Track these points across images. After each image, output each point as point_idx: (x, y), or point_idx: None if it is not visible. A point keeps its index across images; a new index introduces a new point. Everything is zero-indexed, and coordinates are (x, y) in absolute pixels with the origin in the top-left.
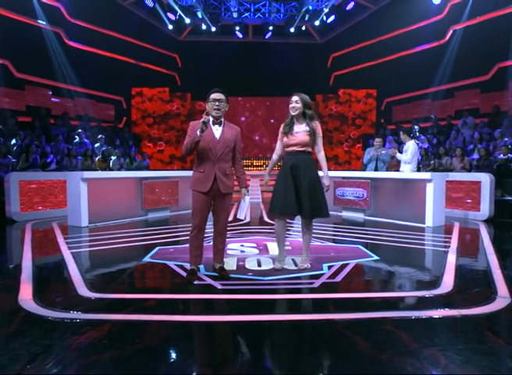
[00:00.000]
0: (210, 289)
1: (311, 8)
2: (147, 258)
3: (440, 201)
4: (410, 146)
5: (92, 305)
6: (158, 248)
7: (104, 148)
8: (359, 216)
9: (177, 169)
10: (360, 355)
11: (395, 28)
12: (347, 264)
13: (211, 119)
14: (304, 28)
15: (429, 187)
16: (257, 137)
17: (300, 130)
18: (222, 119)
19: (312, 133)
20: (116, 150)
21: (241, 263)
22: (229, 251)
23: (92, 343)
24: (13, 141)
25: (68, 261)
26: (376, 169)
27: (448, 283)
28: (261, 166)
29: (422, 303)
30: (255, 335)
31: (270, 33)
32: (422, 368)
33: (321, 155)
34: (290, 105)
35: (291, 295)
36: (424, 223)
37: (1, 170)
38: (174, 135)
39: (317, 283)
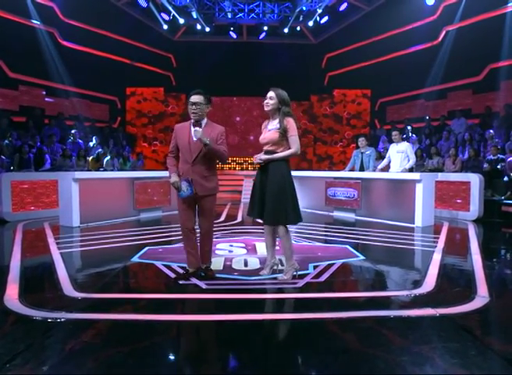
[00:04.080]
0: (195, 289)
1: (304, 8)
2: (135, 258)
3: (429, 201)
4: (409, 147)
5: (77, 305)
6: (147, 248)
7: (98, 149)
8: (350, 216)
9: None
10: (337, 352)
11: (388, 29)
12: (333, 264)
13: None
14: (298, 28)
15: (419, 188)
16: (252, 137)
17: (272, 128)
18: (204, 121)
19: (283, 131)
20: (109, 150)
21: (228, 263)
22: (217, 251)
23: (74, 342)
24: (6, 141)
25: (57, 261)
26: (362, 167)
27: (430, 282)
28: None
29: (403, 302)
30: (238, 334)
31: (264, 33)
32: (395, 365)
33: (289, 151)
34: (264, 101)
35: (274, 295)
36: (414, 223)
37: None
38: (169, 135)
39: (301, 283)
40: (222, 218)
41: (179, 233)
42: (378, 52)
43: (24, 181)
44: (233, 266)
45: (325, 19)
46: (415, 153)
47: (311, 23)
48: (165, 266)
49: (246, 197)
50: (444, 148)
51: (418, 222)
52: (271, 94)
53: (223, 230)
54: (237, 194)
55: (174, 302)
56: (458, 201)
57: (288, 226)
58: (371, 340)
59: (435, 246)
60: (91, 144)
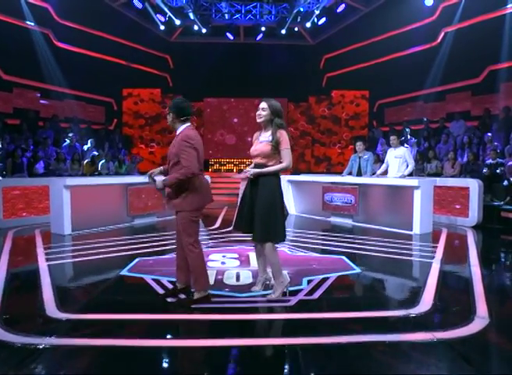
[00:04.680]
0: (182, 308)
1: (302, 10)
2: (124, 272)
3: (428, 207)
4: (407, 152)
5: (59, 328)
6: (138, 259)
7: (93, 153)
8: (347, 222)
9: None
10: None
11: (387, 30)
12: (327, 278)
13: None
14: (296, 29)
15: (417, 194)
16: (249, 139)
17: (264, 140)
18: (178, 130)
19: (275, 144)
20: (105, 153)
21: (219, 277)
22: (209, 263)
23: (53, 372)
24: None
25: (43, 275)
26: (359, 171)
27: (427, 300)
28: None
29: (398, 324)
30: (224, 362)
31: (261, 34)
32: None
33: (280, 165)
34: (256, 112)
35: (265, 315)
36: (412, 230)
37: None
38: (166, 137)
39: (293, 300)
40: (218, 224)
41: (174, 240)
42: (377, 53)
43: (16, 187)
44: (225, 281)
45: (323, 20)
46: (415, 157)
47: (308, 25)
48: (154, 280)
49: None
50: (443, 151)
51: (416, 229)
52: (263, 105)
53: (218, 238)
54: (234, 197)
55: (160, 324)
56: (457, 206)
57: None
58: (363, 370)
59: (434, 257)
60: (86, 147)
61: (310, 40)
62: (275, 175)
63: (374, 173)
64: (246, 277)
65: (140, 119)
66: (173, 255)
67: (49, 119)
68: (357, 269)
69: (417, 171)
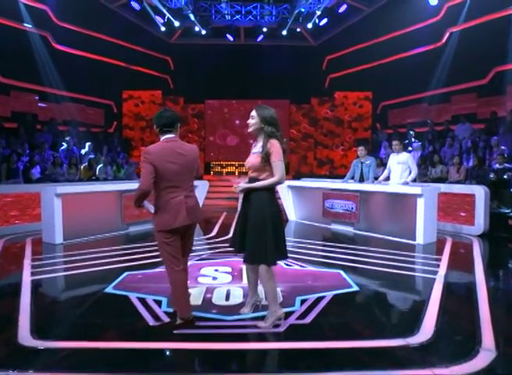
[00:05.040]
0: (163, 334)
1: (303, 10)
2: (109, 288)
3: (432, 216)
4: (410, 158)
5: (30, 359)
6: (126, 273)
7: (91, 156)
8: (348, 230)
9: None
10: None
11: (390, 30)
12: (323, 298)
13: None
14: (298, 30)
15: (420, 203)
16: (251, 141)
17: (255, 152)
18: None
19: (265, 155)
20: (103, 157)
21: (208, 296)
22: (200, 279)
23: None
24: None
25: (24, 292)
26: (362, 177)
27: (428, 327)
28: None
29: (395, 357)
30: None
31: (262, 36)
32: None
33: (271, 179)
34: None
35: (252, 344)
36: (415, 240)
37: None
38: None
39: (284, 325)
40: (214, 231)
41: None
42: (381, 54)
43: (9, 194)
44: (213, 300)
45: (325, 21)
46: (417, 161)
47: (310, 25)
48: (139, 299)
49: None
50: (448, 155)
51: (420, 239)
52: (252, 113)
53: (213, 249)
54: (234, 200)
55: (136, 354)
56: (462, 214)
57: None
58: None
59: (437, 272)
60: (83, 151)
61: (311, 41)
62: (267, 190)
63: (376, 178)
64: (236, 296)
65: (141, 121)
66: (161, 269)
67: (47, 123)
68: (355, 287)
69: (421, 176)
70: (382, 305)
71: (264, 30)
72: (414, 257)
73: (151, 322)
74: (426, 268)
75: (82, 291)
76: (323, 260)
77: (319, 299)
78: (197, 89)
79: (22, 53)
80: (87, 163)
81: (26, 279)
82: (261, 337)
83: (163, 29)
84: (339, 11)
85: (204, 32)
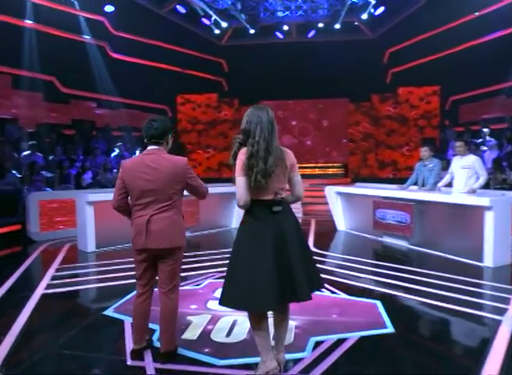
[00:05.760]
0: None
1: (356, 1)
2: (109, 310)
3: (504, 233)
4: (477, 162)
5: None
6: (135, 291)
7: None
8: (401, 244)
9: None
10: None
11: (459, 16)
12: (344, 340)
13: None
14: (356, 23)
15: (489, 217)
16: (308, 142)
17: None
18: None
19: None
20: None
21: (209, 327)
22: (210, 304)
23: None
24: (51, 157)
25: (27, 308)
26: (423, 184)
27: None
28: (313, 169)
29: None
30: None
31: (314, 31)
32: None
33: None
34: None
35: None
36: (483, 262)
37: (36, 186)
38: (222, 141)
39: None
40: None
41: (199, 259)
42: (448, 43)
43: (53, 200)
44: (212, 334)
45: (381, 10)
46: (491, 164)
47: (364, 16)
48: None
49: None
50: None
51: (489, 260)
52: None
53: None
54: None
55: None
56: None
57: (265, 311)
58: None
59: (506, 310)
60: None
61: (369, 33)
62: (244, 216)
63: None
64: (241, 330)
65: (197, 125)
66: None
67: (101, 129)
68: (390, 328)
69: (495, 181)
70: (422, 361)
71: (320, 25)
72: (478, 285)
73: (129, 361)
74: (493, 303)
75: (81, 312)
76: (361, 285)
77: (339, 342)
78: (251, 90)
79: (80, 63)
80: None
81: (38, 292)
82: None
83: (217, 31)
84: None
85: (253, 31)
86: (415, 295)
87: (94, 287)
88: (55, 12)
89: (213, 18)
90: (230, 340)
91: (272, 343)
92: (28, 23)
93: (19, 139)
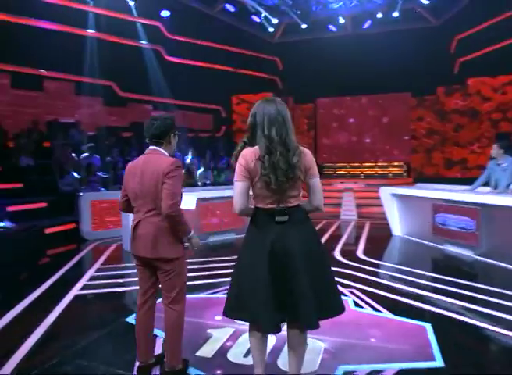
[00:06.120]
0: None
1: None
2: (131, 318)
3: None
4: None
5: None
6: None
7: (189, 163)
8: (465, 254)
9: None
10: None
11: None
12: (379, 373)
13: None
14: (417, 10)
15: None
16: (368, 140)
17: None
18: None
19: None
20: (206, 161)
21: (228, 344)
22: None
23: None
24: (108, 158)
25: (56, 310)
26: (496, 185)
27: None
28: (372, 168)
29: None
30: None
31: (370, 21)
32: None
33: None
34: None
35: None
36: None
37: (93, 187)
38: None
39: None
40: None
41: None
42: None
43: (104, 200)
44: (229, 354)
45: None
46: None
47: (425, 1)
48: None
49: (345, 213)
50: None
51: None
52: None
53: None
54: (337, 207)
55: None
56: None
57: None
58: None
59: None
60: (187, 158)
61: (432, 20)
62: (248, 224)
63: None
64: None
65: None
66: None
67: None
68: (438, 361)
69: None
70: None
71: (379, 16)
72: None
73: None
74: None
75: (105, 316)
76: (412, 302)
77: (373, 374)
78: (307, 87)
79: (137, 67)
80: (185, 169)
81: (72, 292)
82: None
83: (271, 30)
84: None
85: (304, 26)
86: (477, 320)
87: (126, 290)
88: (114, 20)
89: (263, 15)
90: (246, 361)
91: (287, 369)
92: (90, 32)
93: (79, 142)
